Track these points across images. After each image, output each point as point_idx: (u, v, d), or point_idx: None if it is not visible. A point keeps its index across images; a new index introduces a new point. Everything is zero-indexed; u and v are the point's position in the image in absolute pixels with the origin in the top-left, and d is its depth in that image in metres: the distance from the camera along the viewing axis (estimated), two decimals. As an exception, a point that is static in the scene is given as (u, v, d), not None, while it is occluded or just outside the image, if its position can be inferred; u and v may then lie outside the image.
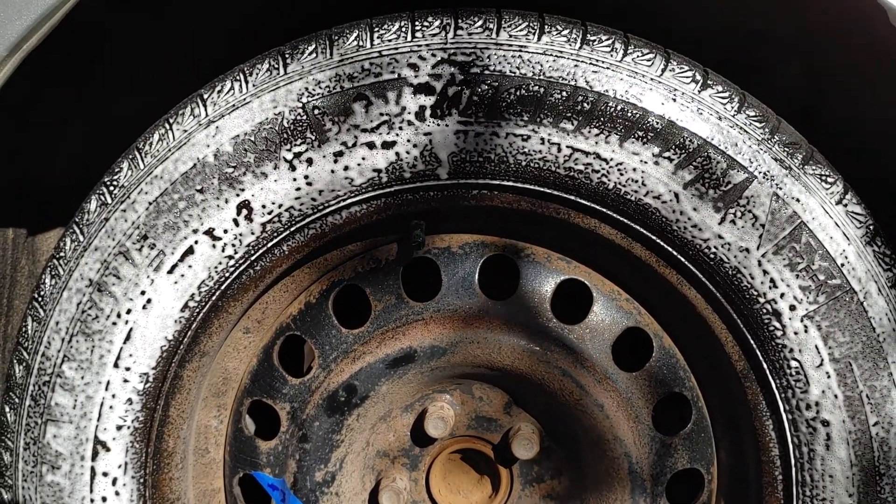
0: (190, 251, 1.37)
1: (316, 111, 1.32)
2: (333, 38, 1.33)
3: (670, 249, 1.38)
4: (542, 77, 1.30)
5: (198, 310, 1.40)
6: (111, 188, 1.37)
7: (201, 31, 1.71)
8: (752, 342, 1.39)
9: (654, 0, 1.61)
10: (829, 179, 1.34)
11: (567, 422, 1.52)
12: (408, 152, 1.34)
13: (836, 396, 1.37)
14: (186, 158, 1.35)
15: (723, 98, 1.33)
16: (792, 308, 1.36)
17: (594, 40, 1.32)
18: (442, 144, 1.33)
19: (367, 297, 1.48)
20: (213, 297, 1.40)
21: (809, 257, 1.34)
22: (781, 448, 1.43)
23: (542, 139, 1.33)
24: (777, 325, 1.37)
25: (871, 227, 1.35)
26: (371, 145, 1.33)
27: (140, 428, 1.44)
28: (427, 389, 1.54)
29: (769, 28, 1.59)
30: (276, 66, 1.33)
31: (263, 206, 1.36)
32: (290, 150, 1.34)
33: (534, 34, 1.31)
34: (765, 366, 1.39)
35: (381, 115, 1.32)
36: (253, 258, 1.39)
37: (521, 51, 1.31)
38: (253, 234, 1.37)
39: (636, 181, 1.34)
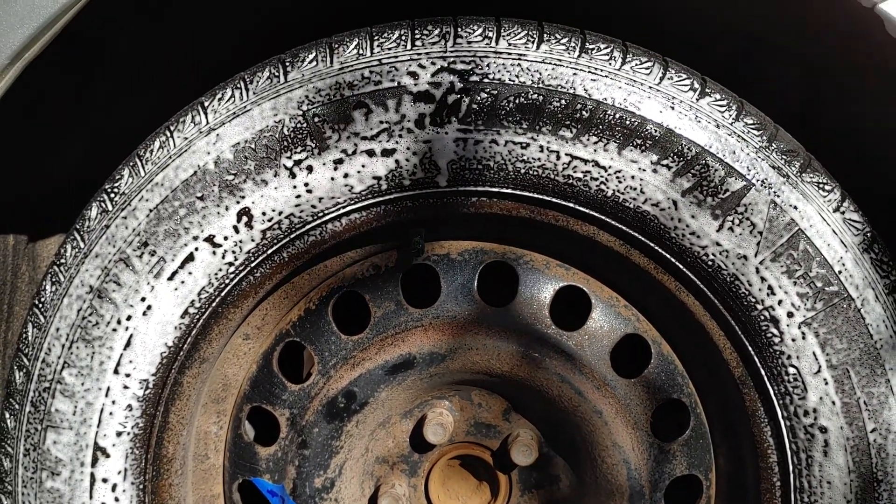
0: (190, 258, 1.38)
1: (316, 119, 1.33)
2: (333, 47, 1.34)
3: (668, 256, 1.38)
4: (541, 85, 1.31)
5: (198, 316, 1.41)
6: (112, 195, 1.38)
7: (202, 37, 1.71)
8: (750, 349, 1.40)
9: (653, 5, 1.62)
10: (827, 187, 1.35)
11: (566, 428, 1.52)
12: (407, 160, 1.34)
13: (833, 403, 1.38)
14: (187, 166, 1.35)
15: (721, 106, 1.34)
16: (790, 315, 1.36)
17: (593, 48, 1.33)
18: (441, 152, 1.34)
19: (367, 303, 1.49)
20: (213, 304, 1.41)
21: (807, 264, 1.34)
22: (779, 454, 1.43)
23: (541, 147, 1.33)
24: (775, 331, 1.37)
25: (869, 235, 1.36)
26: (371, 153, 1.34)
27: (140, 434, 1.44)
28: (426, 396, 1.54)
29: (768, 34, 1.60)
30: (277, 73, 1.34)
31: (263, 214, 1.36)
32: (290, 158, 1.34)
33: (533, 43, 1.32)
34: (763, 372, 1.40)
35: (381, 122, 1.33)
36: (253, 265, 1.40)
37: (520, 59, 1.31)
38: (253, 240, 1.38)
39: (635, 189, 1.34)
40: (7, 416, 1.44)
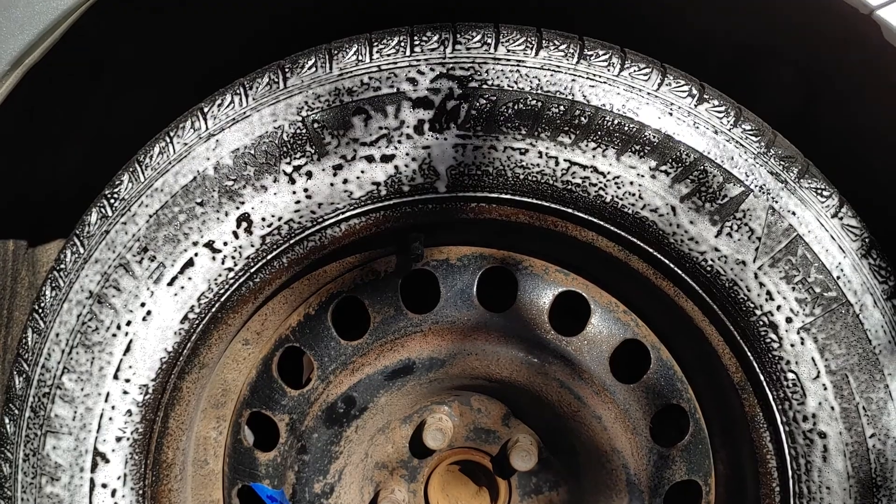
0: (190, 263, 1.38)
1: (315, 125, 1.33)
2: (333, 53, 1.34)
3: (667, 262, 1.38)
4: (539, 91, 1.31)
5: (197, 322, 1.41)
6: (112, 201, 1.38)
7: (205, 45, 1.72)
8: (749, 354, 1.40)
9: (653, 11, 1.63)
10: (825, 193, 1.35)
11: (565, 433, 1.52)
12: (406, 166, 1.35)
13: (832, 408, 1.38)
14: (187, 171, 1.36)
15: (719, 112, 1.34)
16: (788, 320, 1.37)
17: (591, 55, 1.33)
18: (440, 158, 1.34)
19: (366, 308, 1.49)
20: (213, 309, 1.41)
21: (805, 270, 1.35)
22: (779, 460, 1.43)
23: (540, 153, 1.34)
24: (774, 337, 1.38)
25: (867, 240, 1.36)
26: (370, 159, 1.34)
27: (139, 439, 1.44)
28: (426, 401, 1.55)
29: (765, 40, 1.60)
30: (276, 80, 1.34)
31: (263, 219, 1.37)
32: (289, 164, 1.34)
33: (531, 49, 1.32)
34: (762, 377, 1.40)
35: (380, 128, 1.33)
36: (252, 270, 1.40)
37: (518, 65, 1.32)
38: (252, 246, 1.38)
39: (633, 194, 1.34)
40: (7, 421, 1.44)
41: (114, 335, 1.40)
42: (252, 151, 1.34)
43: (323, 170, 1.35)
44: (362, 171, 1.35)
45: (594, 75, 1.32)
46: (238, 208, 1.36)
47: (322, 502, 1.53)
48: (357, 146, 1.34)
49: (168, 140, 1.37)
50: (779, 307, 1.36)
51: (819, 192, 1.35)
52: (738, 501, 1.52)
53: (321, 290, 1.51)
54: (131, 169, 1.38)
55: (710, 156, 1.33)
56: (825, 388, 1.38)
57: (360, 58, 1.33)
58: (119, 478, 1.45)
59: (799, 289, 1.35)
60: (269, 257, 1.39)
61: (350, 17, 1.69)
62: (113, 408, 1.42)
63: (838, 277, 1.35)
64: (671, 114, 1.33)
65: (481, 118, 1.32)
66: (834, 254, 1.35)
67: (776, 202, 1.34)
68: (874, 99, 1.48)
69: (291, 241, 1.39)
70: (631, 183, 1.34)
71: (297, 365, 1.84)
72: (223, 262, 1.39)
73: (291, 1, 1.67)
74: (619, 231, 1.38)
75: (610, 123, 1.32)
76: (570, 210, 1.37)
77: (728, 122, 1.34)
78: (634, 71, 1.33)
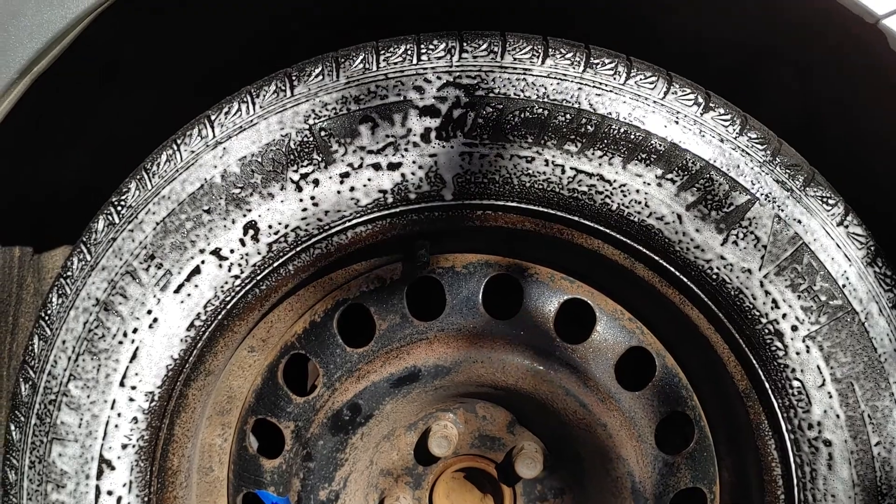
0: (196, 271, 1.38)
1: (322, 133, 1.34)
2: (340, 61, 1.34)
3: (673, 270, 1.39)
4: (546, 100, 1.32)
5: (204, 329, 1.41)
6: (119, 208, 1.38)
7: (206, 46, 1.72)
8: (754, 362, 1.40)
9: (655, 21, 1.63)
10: (831, 201, 1.35)
11: (570, 441, 1.52)
12: (413, 173, 1.35)
13: (838, 416, 1.38)
14: (194, 179, 1.36)
15: (725, 120, 1.34)
16: (794, 328, 1.37)
17: (597, 63, 1.33)
18: (447, 166, 1.34)
19: (372, 316, 1.49)
20: (219, 317, 1.41)
21: (811, 278, 1.35)
22: (784, 467, 1.43)
23: (547, 161, 1.34)
24: (779, 345, 1.38)
25: (873, 249, 1.36)
26: (377, 166, 1.35)
27: (145, 447, 1.44)
28: (431, 408, 1.55)
29: (770, 48, 1.60)
30: (283, 88, 1.35)
31: (270, 227, 1.37)
32: (296, 172, 1.35)
33: (538, 57, 1.33)
34: (767, 385, 1.40)
35: (387, 136, 1.33)
36: (259, 278, 1.40)
37: (525, 74, 1.32)
38: (259, 254, 1.38)
39: (639, 202, 1.35)
40: (13, 428, 1.44)
41: (120, 342, 1.40)
42: (259, 159, 1.35)
43: (330, 178, 1.35)
44: (369, 179, 1.35)
45: (600, 84, 1.32)
46: (245, 216, 1.36)
47: (327, 509, 1.53)
48: (364, 154, 1.34)
49: (175, 148, 1.37)
50: (784, 315, 1.37)
51: (825, 200, 1.35)
52: (743, 509, 1.52)
53: (327, 298, 1.52)
54: (138, 176, 1.38)
55: (716, 164, 1.33)
56: (830, 396, 1.38)
57: (366, 66, 1.34)
58: (124, 485, 1.45)
59: (804, 297, 1.36)
60: (275, 265, 1.40)
61: (350, 18, 1.70)
62: (119, 415, 1.42)
63: (844, 286, 1.35)
64: (677, 122, 1.33)
65: (488, 126, 1.33)
66: (839, 262, 1.35)
67: (782, 210, 1.34)
68: (878, 105, 1.48)
69: (298, 249, 1.39)
70: (637, 191, 1.34)
71: (303, 372, 1.84)
72: (230, 270, 1.39)
73: (291, 2, 1.68)
74: (624, 239, 1.38)
75: (616, 132, 1.32)
76: (576, 218, 1.38)
77: (734, 130, 1.34)
78: (640, 79, 1.33)
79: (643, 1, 1.62)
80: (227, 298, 1.40)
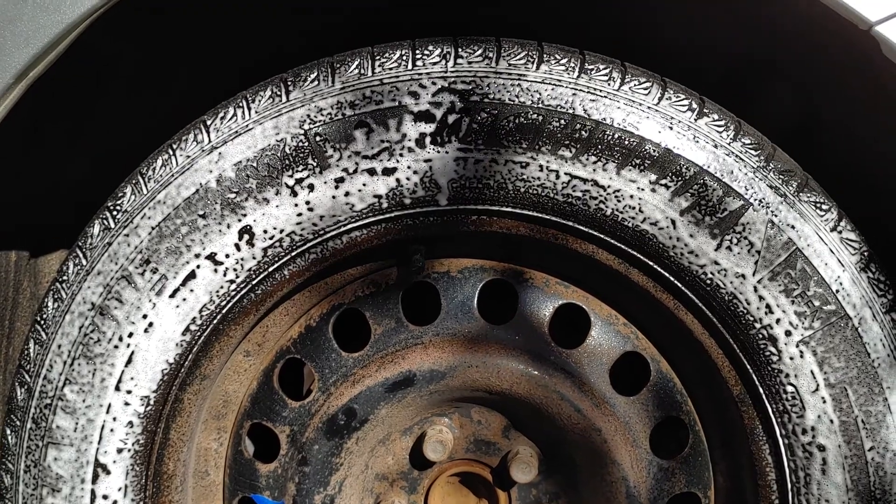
0: (192, 275, 1.39)
1: (318, 138, 1.34)
2: (335, 66, 1.35)
3: (667, 275, 1.39)
4: (540, 105, 1.32)
5: (199, 333, 1.42)
6: (114, 212, 1.39)
7: (209, 58, 1.73)
8: (748, 367, 1.40)
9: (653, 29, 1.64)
10: (824, 207, 1.36)
11: (565, 446, 1.53)
12: (408, 178, 1.35)
13: (831, 421, 1.39)
14: (189, 184, 1.36)
15: (719, 126, 1.35)
16: (787, 333, 1.37)
17: (592, 69, 1.34)
18: (442, 171, 1.35)
19: (367, 320, 1.50)
20: (215, 321, 1.41)
21: (804, 283, 1.35)
22: (778, 472, 1.44)
23: (541, 166, 1.34)
24: (773, 350, 1.38)
25: (866, 254, 1.37)
26: (372, 171, 1.35)
27: (140, 451, 1.45)
28: (426, 413, 1.55)
29: (764, 55, 1.61)
30: (279, 93, 1.35)
31: (265, 231, 1.37)
32: (291, 177, 1.35)
33: (532, 63, 1.33)
34: (761, 390, 1.41)
35: (382, 141, 1.34)
36: (254, 282, 1.40)
37: (520, 79, 1.33)
38: (254, 258, 1.39)
39: (633, 208, 1.35)
40: (8, 432, 1.45)
41: (116, 347, 1.40)
42: (254, 164, 1.35)
43: (325, 182, 1.36)
44: (364, 184, 1.36)
45: (595, 89, 1.33)
46: (240, 221, 1.37)
47: (322, 514, 1.53)
48: (359, 159, 1.35)
49: (171, 152, 1.38)
50: (778, 320, 1.37)
51: (818, 205, 1.36)
52: (738, 514, 1.53)
53: (322, 302, 1.52)
54: (134, 181, 1.39)
55: (710, 169, 1.34)
56: (824, 401, 1.38)
57: (362, 71, 1.34)
58: (120, 489, 1.45)
59: (798, 302, 1.36)
60: (270, 269, 1.40)
61: (350, 23, 1.71)
62: (114, 419, 1.42)
63: (837, 291, 1.36)
64: (671, 128, 1.34)
65: (482, 132, 1.33)
66: (833, 267, 1.35)
67: (775, 216, 1.34)
68: (871, 111, 1.49)
69: (293, 254, 1.39)
70: (631, 196, 1.35)
71: (298, 376, 1.84)
72: (225, 275, 1.39)
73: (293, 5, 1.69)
74: (619, 244, 1.38)
75: (610, 137, 1.33)
76: (570, 223, 1.38)
77: (728, 135, 1.35)
78: (635, 85, 1.34)
79: (640, 10, 1.63)
80: (223, 303, 1.40)
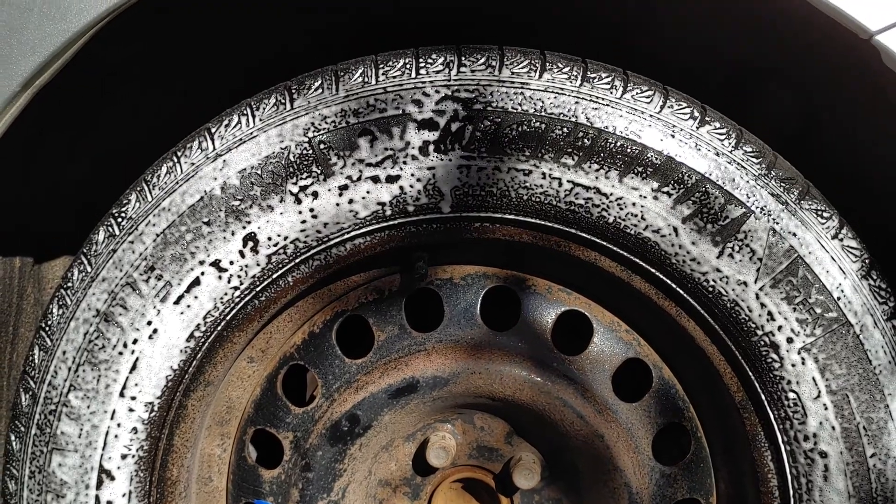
0: (196, 282, 1.39)
1: (322, 146, 1.35)
2: (339, 74, 1.36)
3: (669, 282, 1.40)
4: (543, 113, 1.33)
5: (203, 340, 1.42)
6: (119, 220, 1.39)
7: (214, 58, 1.74)
8: (750, 374, 1.41)
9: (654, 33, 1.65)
10: (825, 214, 1.36)
11: (568, 452, 1.53)
12: (411, 186, 1.36)
13: (833, 428, 1.39)
14: (194, 191, 1.37)
15: (720, 134, 1.36)
16: (789, 340, 1.38)
17: (594, 77, 1.35)
18: (445, 179, 1.36)
19: (371, 327, 1.50)
20: (219, 328, 1.42)
21: (806, 291, 1.36)
22: (780, 479, 1.44)
23: (544, 174, 1.35)
24: (775, 357, 1.39)
25: (867, 261, 1.37)
26: (375, 179, 1.36)
27: (144, 457, 1.45)
28: (429, 419, 1.55)
29: (765, 63, 1.62)
30: (283, 101, 1.36)
31: (269, 239, 1.38)
32: (296, 184, 1.36)
33: (535, 71, 1.34)
34: (763, 397, 1.41)
35: (386, 149, 1.35)
36: (258, 289, 1.41)
37: (523, 88, 1.33)
38: (258, 265, 1.39)
39: (636, 215, 1.36)
40: (13, 438, 1.45)
41: (120, 353, 1.41)
42: (259, 171, 1.36)
43: (329, 190, 1.36)
44: (368, 192, 1.36)
45: (597, 98, 1.34)
46: (244, 228, 1.37)
47: (325, 520, 1.54)
48: (363, 167, 1.35)
49: (176, 160, 1.38)
50: (780, 327, 1.37)
51: (819, 213, 1.36)
52: (740, 520, 1.53)
53: (326, 309, 1.53)
54: (139, 188, 1.40)
55: (712, 177, 1.34)
56: (826, 408, 1.39)
57: (366, 79, 1.35)
58: (124, 495, 1.46)
59: (800, 309, 1.36)
60: (274, 276, 1.40)
61: (355, 22, 1.71)
62: (118, 425, 1.43)
63: (839, 298, 1.36)
64: (673, 136, 1.34)
65: (486, 140, 1.34)
66: (834, 275, 1.36)
67: (777, 223, 1.35)
68: (873, 119, 1.49)
69: (297, 261, 1.40)
70: (633, 204, 1.35)
71: (302, 383, 1.85)
72: (229, 281, 1.40)
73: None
74: (621, 251, 1.39)
75: (613, 145, 1.33)
76: (573, 230, 1.39)
77: (729, 143, 1.36)
78: (637, 93, 1.35)
79: (645, 17, 1.64)
80: (227, 310, 1.41)
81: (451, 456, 1.53)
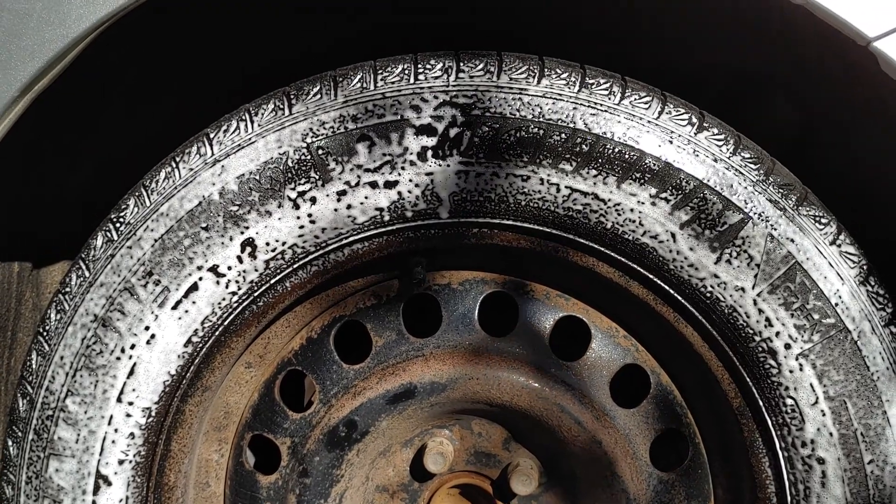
0: (194, 287, 1.39)
1: (320, 151, 1.35)
2: (338, 80, 1.36)
3: (667, 288, 1.40)
4: (541, 119, 1.33)
5: (201, 345, 1.42)
6: (117, 225, 1.39)
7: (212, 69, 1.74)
8: (748, 380, 1.41)
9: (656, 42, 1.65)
10: (823, 220, 1.37)
11: (565, 458, 1.53)
12: (410, 192, 1.36)
13: (831, 434, 1.39)
14: (192, 196, 1.37)
15: (718, 140, 1.36)
16: (787, 346, 1.38)
17: (592, 83, 1.35)
18: (443, 184, 1.36)
19: (368, 332, 1.50)
20: (216, 333, 1.42)
21: (804, 297, 1.36)
22: (778, 485, 1.44)
23: (542, 180, 1.35)
24: (773, 363, 1.39)
25: (865, 267, 1.37)
26: (374, 185, 1.36)
27: (142, 462, 1.45)
28: (426, 425, 1.55)
29: (763, 70, 1.62)
30: (282, 106, 1.36)
31: (267, 244, 1.38)
32: (294, 189, 1.36)
33: (533, 77, 1.34)
34: (761, 403, 1.41)
35: (384, 155, 1.35)
36: (256, 294, 1.41)
37: (521, 93, 1.34)
38: (256, 270, 1.39)
39: (633, 221, 1.36)
40: (10, 443, 1.45)
41: (118, 358, 1.41)
42: (257, 177, 1.36)
43: (327, 195, 1.36)
44: (366, 197, 1.36)
45: (595, 104, 1.34)
46: (242, 233, 1.37)
47: (323, 526, 1.54)
48: (361, 172, 1.35)
49: (174, 165, 1.38)
50: (777, 333, 1.38)
51: (817, 219, 1.36)
52: (738, 526, 1.53)
53: (324, 314, 1.53)
54: (137, 193, 1.40)
55: (710, 183, 1.35)
56: (824, 414, 1.39)
57: (364, 85, 1.35)
58: (121, 500, 1.45)
59: (797, 315, 1.37)
60: (272, 282, 1.40)
61: (355, 23, 1.72)
62: (116, 431, 1.43)
63: (836, 304, 1.36)
64: (671, 142, 1.34)
65: (484, 145, 1.34)
66: (832, 281, 1.36)
67: (775, 229, 1.35)
68: (871, 125, 1.50)
69: (295, 266, 1.40)
70: (631, 210, 1.35)
71: (299, 388, 1.85)
72: (227, 287, 1.40)
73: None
74: (619, 257, 1.39)
75: (611, 151, 1.34)
76: (570, 236, 1.39)
77: (727, 149, 1.36)
78: (635, 99, 1.35)
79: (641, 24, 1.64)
80: (225, 315, 1.41)
81: (449, 462, 1.53)
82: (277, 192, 1.36)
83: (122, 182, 1.47)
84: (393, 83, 1.35)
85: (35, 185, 1.75)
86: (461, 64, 1.35)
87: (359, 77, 1.35)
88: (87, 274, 1.40)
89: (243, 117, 1.37)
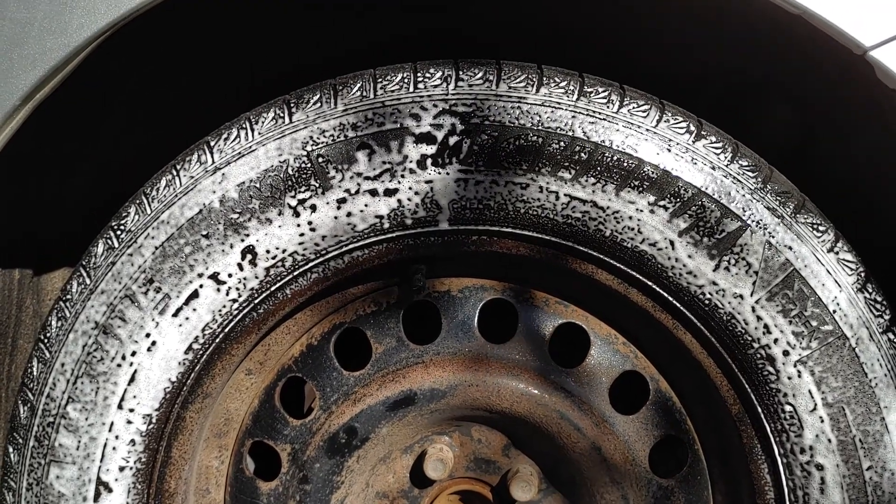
0: (195, 295, 1.40)
1: (320, 159, 1.36)
2: (338, 88, 1.37)
3: (666, 295, 1.40)
4: (540, 127, 1.34)
5: (201, 352, 1.43)
6: (118, 232, 1.40)
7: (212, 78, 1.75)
8: (746, 386, 1.41)
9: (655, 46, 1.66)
10: (821, 228, 1.37)
11: (565, 464, 1.53)
12: (409, 199, 1.37)
13: (829, 441, 1.39)
14: (193, 204, 1.38)
15: (716, 148, 1.36)
16: (785, 353, 1.38)
17: (591, 92, 1.35)
18: (443, 192, 1.36)
19: (368, 339, 1.51)
20: (217, 340, 1.42)
21: (802, 304, 1.37)
22: (777, 491, 1.44)
23: (541, 187, 1.36)
24: (771, 369, 1.39)
25: (863, 274, 1.38)
26: (374, 192, 1.36)
27: (142, 469, 1.45)
28: (426, 431, 1.56)
29: (761, 77, 1.63)
30: (282, 115, 1.37)
31: (267, 251, 1.39)
32: (294, 197, 1.37)
33: (532, 86, 1.35)
34: (759, 410, 1.41)
35: (384, 163, 1.35)
36: (256, 302, 1.41)
37: (520, 102, 1.34)
38: (256, 278, 1.40)
39: (632, 229, 1.37)
40: (11, 450, 1.45)
41: (119, 365, 1.41)
42: (257, 185, 1.36)
43: (327, 203, 1.37)
44: (366, 205, 1.37)
45: (594, 112, 1.35)
46: (243, 241, 1.38)
47: (323, 532, 1.54)
48: (361, 180, 1.36)
49: (175, 173, 1.39)
50: (776, 340, 1.38)
51: (815, 226, 1.37)
52: (737, 532, 1.53)
53: (324, 321, 1.53)
54: (138, 201, 1.40)
55: (708, 191, 1.35)
56: (822, 421, 1.39)
57: (364, 93, 1.36)
58: (122, 507, 1.46)
59: (796, 322, 1.37)
60: (272, 289, 1.41)
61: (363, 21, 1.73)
62: (117, 437, 1.43)
63: (834, 311, 1.37)
64: (669, 150, 1.35)
65: (483, 153, 1.35)
66: (830, 288, 1.37)
67: (773, 237, 1.36)
68: (868, 133, 1.50)
69: (295, 273, 1.40)
70: (630, 217, 1.36)
71: (300, 395, 1.85)
72: (227, 294, 1.40)
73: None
74: (618, 264, 1.40)
75: (609, 159, 1.34)
76: (570, 243, 1.39)
77: (725, 157, 1.36)
78: (633, 108, 1.36)
79: (641, 31, 1.65)
80: (225, 322, 1.42)
81: (449, 468, 1.53)
82: (278, 200, 1.37)
83: (123, 190, 1.47)
84: (393, 91, 1.35)
85: (36, 194, 1.76)
86: (460, 72, 1.35)
87: (359, 85, 1.36)
88: (88, 281, 1.41)
89: (244, 125, 1.38)
